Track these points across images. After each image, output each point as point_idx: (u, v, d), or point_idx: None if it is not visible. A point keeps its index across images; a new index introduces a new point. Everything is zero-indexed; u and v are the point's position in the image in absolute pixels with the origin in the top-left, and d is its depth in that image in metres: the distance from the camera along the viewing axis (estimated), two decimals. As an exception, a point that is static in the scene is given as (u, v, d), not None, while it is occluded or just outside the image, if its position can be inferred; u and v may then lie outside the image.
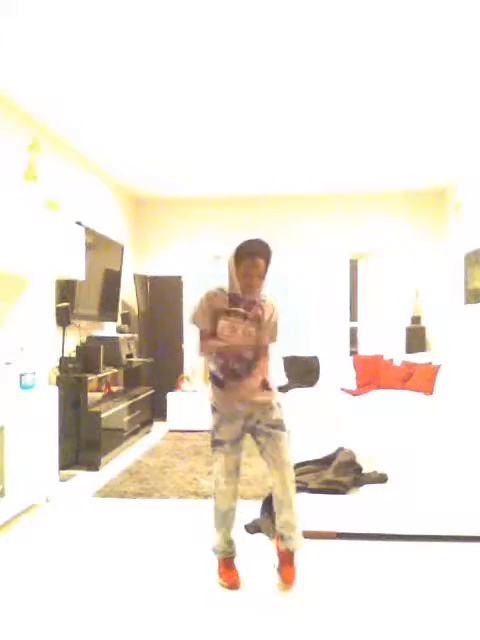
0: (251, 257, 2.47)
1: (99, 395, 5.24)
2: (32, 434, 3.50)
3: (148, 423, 6.10)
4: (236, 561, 2.66)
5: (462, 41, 3.28)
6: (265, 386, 2.59)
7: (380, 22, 3.07)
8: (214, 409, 2.62)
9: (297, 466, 3.40)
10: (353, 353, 7.15)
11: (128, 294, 6.71)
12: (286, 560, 2.59)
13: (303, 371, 6.45)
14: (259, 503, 3.22)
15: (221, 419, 2.59)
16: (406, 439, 3.50)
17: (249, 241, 2.48)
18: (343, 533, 3.07)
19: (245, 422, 2.59)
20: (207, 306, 2.53)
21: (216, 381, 2.59)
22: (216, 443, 2.61)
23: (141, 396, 5.85)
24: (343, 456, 3.27)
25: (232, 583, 2.54)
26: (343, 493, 3.09)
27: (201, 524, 2.88)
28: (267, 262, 2.52)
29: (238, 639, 2.14)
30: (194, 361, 7.05)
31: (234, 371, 2.53)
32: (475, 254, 5.80)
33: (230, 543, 2.66)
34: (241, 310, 2.51)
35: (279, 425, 2.57)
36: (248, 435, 2.65)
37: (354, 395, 5.70)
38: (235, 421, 2.57)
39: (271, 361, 2.64)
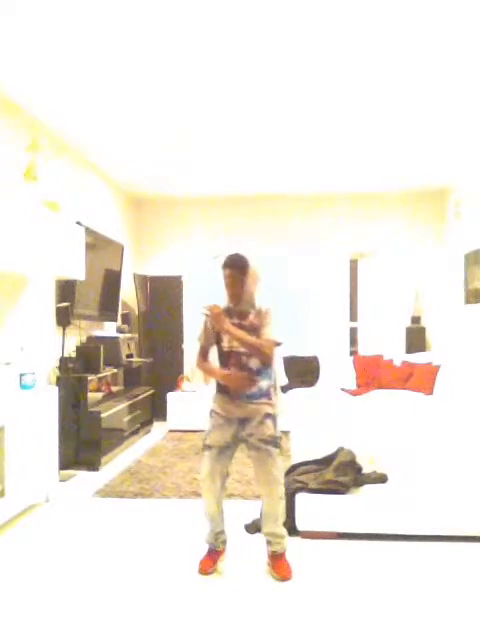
0: (223, 269, 2.65)
1: (99, 395, 5.24)
2: (32, 434, 3.50)
3: (148, 423, 6.10)
4: (224, 557, 2.80)
5: (462, 41, 3.28)
6: (267, 395, 2.66)
7: (380, 22, 3.07)
8: (211, 413, 2.73)
9: (297, 466, 3.40)
10: (353, 353, 7.16)
11: (128, 294, 6.71)
12: (276, 559, 2.70)
13: (303, 371, 6.45)
14: (259, 503, 3.22)
15: (214, 425, 2.70)
16: (406, 439, 3.50)
17: (227, 256, 2.66)
18: (343, 533, 3.07)
19: (237, 431, 2.65)
20: (210, 326, 2.70)
21: (220, 388, 2.71)
22: (205, 447, 2.72)
23: (141, 396, 5.85)
24: (343, 456, 3.27)
25: (201, 569, 2.68)
26: (343, 493, 3.09)
27: (201, 524, 2.89)
28: (241, 273, 2.62)
29: (238, 639, 2.15)
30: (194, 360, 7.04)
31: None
32: (475, 254, 5.80)
33: (216, 538, 2.77)
34: (235, 321, 2.63)
35: (271, 441, 2.63)
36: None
37: (354, 395, 5.69)
38: (228, 429, 2.65)
39: (276, 368, 2.71)
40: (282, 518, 2.70)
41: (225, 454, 2.68)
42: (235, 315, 2.65)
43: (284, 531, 2.73)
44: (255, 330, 2.61)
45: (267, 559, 2.73)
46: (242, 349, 2.60)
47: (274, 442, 2.62)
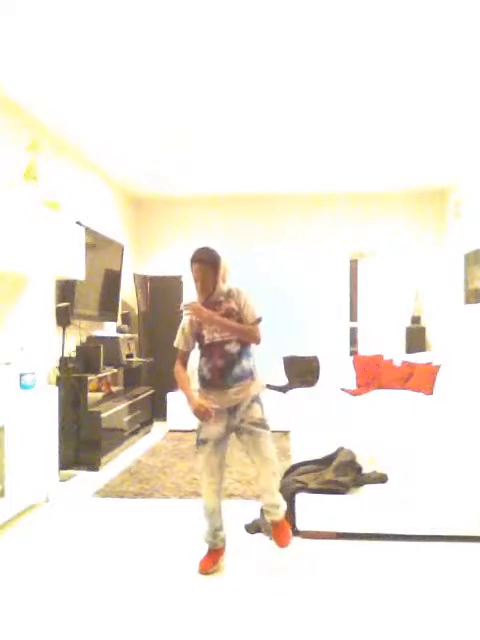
0: (192, 263, 2.70)
1: (99, 395, 5.24)
2: (32, 434, 3.50)
3: (148, 423, 6.09)
4: (224, 555, 2.82)
5: (462, 41, 3.28)
6: (250, 376, 2.70)
7: (380, 22, 3.07)
8: None
9: (297, 466, 3.41)
10: (353, 353, 7.16)
11: (128, 294, 6.71)
12: (276, 527, 2.78)
13: (303, 371, 6.45)
14: (259, 503, 3.22)
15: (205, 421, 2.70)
16: (406, 439, 3.50)
17: (196, 250, 2.73)
18: (343, 533, 3.07)
19: (228, 421, 2.69)
20: (188, 330, 2.73)
21: (203, 382, 2.73)
22: (200, 442, 2.74)
23: (141, 396, 5.85)
24: (343, 456, 3.27)
25: (201, 568, 2.70)
26: (343, 493, 3.09)
27: (200, 524, 2.89)
28: (212, 267, 2.66)
29: (238, 638, 2.15)
30: (194, 360, 7.05)
31: (218, 367, 2.66)
32: (475, 254, 5.80)
33: (215, 536, 2.78)
34: (210, 311, 2.67)
35: (261, 423, 2.69)
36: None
37: (354, 395, 5.70)
38: (219, 421, 2.68)
39: (254, 349, 2.76)
40: (278, 493, 2.75)
41: (221, 446, 2.72)
42: (208, 307, 2.68)
43: (280, 500, 2.76)
44: (231, 314, 2.66)
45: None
46: (221, 339, 2.65)
47: (263, 424, 2.69)
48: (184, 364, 2.78)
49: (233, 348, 2.66)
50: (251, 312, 2.67)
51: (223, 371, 2.65)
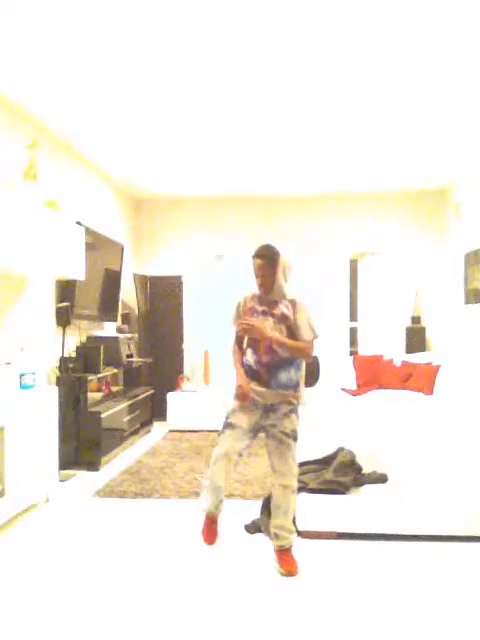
0: (254, 259, 2.72)
1: (99, 395, 5.24)
2: (32, 434, 3.50)
3: (148, 423, 6.10)
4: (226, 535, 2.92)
5: (462, 41, 3.28)
6: (295, 387, 2.71)
7: (380, 22, 3.07)
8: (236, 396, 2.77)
9: (297, 466, 3.41)
10: (353, 353, 7.15)
11: (128, 294, 6.71)
12: (283, 554, 2.72)
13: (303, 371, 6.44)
14: (259, 503, 3.23)
15: (241, 407, 2.72)
16: (406, 439, 3.50)
17: (259, 246, 2.75)
18: (343, 533, 3.07)
19: (260, 419, 2.71)
20: (243, 309, 2.77)
21: (250, 370, 2.73)
22: (228, 425, 2.74)
23: (141, 396, 5.85)
24: (343, 456, 3.27)
25: (207, 539, 2.83)
26: (343, 493, 3.09)
27: (200, 522, 2.89)
28: (271, 263, 2.68)
29: (238, 638, 2.15)
30: (194, 360, 7.06)
31: (264, 363, 2.67)
32: (475, 254, 5.80)
33: (217, 506, 2.84)
34: (265, 308, 2.71)
35: (292, 435, 2.70)
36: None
37: (354, 395, 5.69)
38: (253, 413, 2.69)
39: (303, 363, 2.79)
40: (292, 513, 2.73)
41: (245, 437, 2.72)
42: (265, 303, 2.70)
43: (293, 526, 2.76)
44: (284, 320, 2.67)
45: (274, 554, 2.75)
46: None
47: (294, 436, 2.70)
48: (240, 346, 2.83)
49: (282, 351, 2.67)
50: (310, 330, 2.67)
51: (269, 368, 2.66)
